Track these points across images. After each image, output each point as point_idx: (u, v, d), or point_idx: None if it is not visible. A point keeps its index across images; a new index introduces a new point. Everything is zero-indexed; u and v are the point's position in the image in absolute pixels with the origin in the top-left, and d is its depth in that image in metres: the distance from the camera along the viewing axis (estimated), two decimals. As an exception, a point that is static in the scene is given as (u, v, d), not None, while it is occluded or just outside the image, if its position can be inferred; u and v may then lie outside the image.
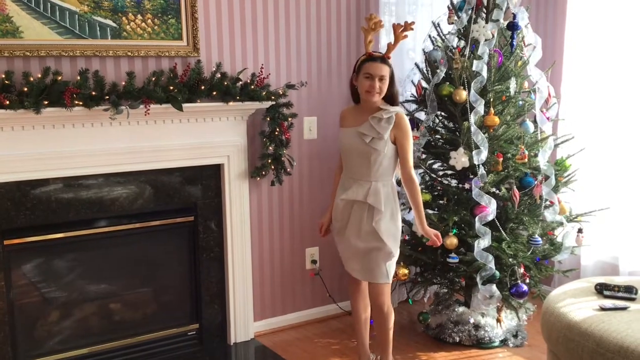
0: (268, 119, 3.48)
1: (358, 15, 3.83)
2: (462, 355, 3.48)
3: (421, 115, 3.65)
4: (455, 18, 3.53)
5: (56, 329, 3.24)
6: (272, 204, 3.73)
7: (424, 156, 3.58)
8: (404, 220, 3.31)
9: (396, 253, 2.98)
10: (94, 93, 2.93)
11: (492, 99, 3.38)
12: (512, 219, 3.43)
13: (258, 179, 3.57)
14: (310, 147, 3.80)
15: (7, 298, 3.02)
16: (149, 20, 3.17)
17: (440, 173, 3.66)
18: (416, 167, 3.31)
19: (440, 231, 3.30)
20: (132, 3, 3.11)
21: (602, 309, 2.64)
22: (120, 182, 3.24)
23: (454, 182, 3.59)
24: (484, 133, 3.31)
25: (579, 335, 2.53)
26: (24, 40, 2.89)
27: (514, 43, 3.45)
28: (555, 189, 3.47)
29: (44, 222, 3.07)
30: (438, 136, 3.60)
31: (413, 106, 3.71)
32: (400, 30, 3.04)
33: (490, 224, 3.32)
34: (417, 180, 3.01)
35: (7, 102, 2.74)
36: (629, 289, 2.78)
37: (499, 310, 3.57)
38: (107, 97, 2.97)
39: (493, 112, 3.33)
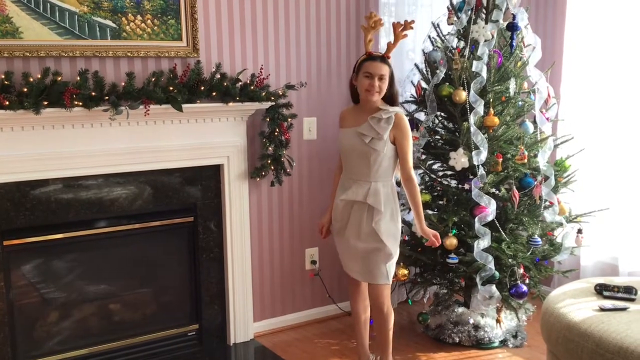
0: (268, 119, 3.49)
1: (357, 16, 3.83)
2: (461, 356, 3.48)
3: (421, 116, 3.65)
4: (455, 19, 3.53)
5: (56, 330, 3.24)
6: (271, 205, 3.73)
7: (423, 157, 3.58)
8: (403, 221, 3.32)
9: (396, 254, 2.98)
10: (93, 94, 2.93)
11: (491, 100, 3.39)
12: (512, 220, 3.43)
13: (258, 179, 3.57)
14: (309, 147, 3.80)
15: (6, 298, 3.02)
16: (149, 21, 3.17)
17: (440, 173, 3.66)
18: (416, 167, 3.31)
19: (439, 232, 3.30)
20: (132, 4, 3.11)
21: (602, 309, 2.64)
22: (119, 182, 3.24)
23: (453, 183, 3.59)
24: (483, 134, 3.31)
25: (579, 336, 2.53)
26: (24, 40, 2.89)
27: (514, 44, 3.45)
28: (555, 190, 3.48)
29: (43, 223, 3.07)
30: (438, 137, 3.60)
31: (413, 107, 3.72)
32: (400, 29, 3.04)
33: (489, 225, 3.33)
34: (416, 180, 3.01)
35: (7, 103, 2.74)
36: (629, 290, 2.78)
37: (498, 310, 3.58)
38: (107, 97, 2.97)
39: (493, 112, 3.33)
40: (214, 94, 3.26)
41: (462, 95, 3.32)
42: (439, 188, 3.59)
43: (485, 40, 3.39)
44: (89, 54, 3.03)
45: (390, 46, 3.04)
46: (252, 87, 3.36)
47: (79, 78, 2.94)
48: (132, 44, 3.14)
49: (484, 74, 3.32)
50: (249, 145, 3.54)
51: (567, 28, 4.07)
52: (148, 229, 3.39)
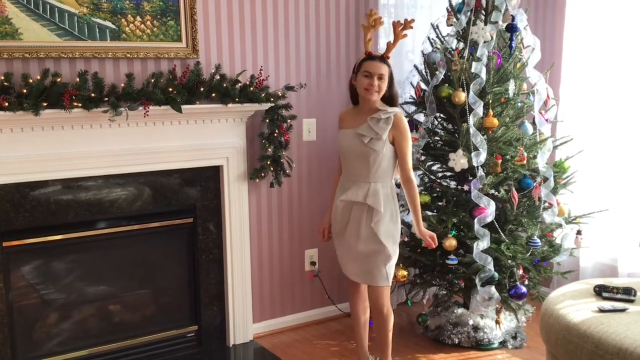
0: (267, 120, 3.49)
1: (357, 17, 3.83)
2: (461, 357, 3.48)
3: (420, 117, 3.65)
4: (454, 20, 3.54)
5: (55, 331, 3.24)
6: (271, 206, 3.73)
7: (423, 158, 3.58)
8: (403, 222, 3.32)
9: (395, 255, 2.98)
10: (93, 95, 2.93)
11: (491, 101, 3.39)
12: (511, 221, 3.44)
13: (257, 180, 3.57)
14: (309, 148, 3.80)
15: (6, 300, 3.02)
16: (148, 22, 3.17)
17: (440, 175, 3.66)
18: (415, 168, 3.31)
19: (439, 233, 3.31)
20: (132, 5, 3.11)
21: (601, 310, 2.64)
22: (119, 183, 3.24)
23: (453, 184, 3.59)
24: (482, 135, 3.31)
25: (578, 337, 2.53)
26: (23, 42, 2.89)
27: (513, 45, 3.45)
28: (554, 191, 3.48)
29: (43, 224, 3.07)
30: (437, 138, 3.60)
31: (412, 108, 3.72)
32: (400, 28, 3.05)
33: (489, 226, 3.33)
34: (415, 181, 3.01)
35: (7, 104, 2.74)
36: (628, 291, 2.78)
37: (498, 311, 3.58)
38: (106, 98, 2.97)
39: (492, 113, 3.33)
40: (213, 95, 3.26)
41: (462, 96, 3.32)
42: (438, 189, 3.59)
43: (485, 42, 3.39)
44: (88, 55, 3.03)
45: (390, 46, 3.04)
46: (251, 89, 3.36)
47: (78, 79, 2.94)
48: (132, 45, 3.14)
49: (483, 75, 3.32)
50: (248, 146, 3.54)
51: (566, 29, 4.07)
52: (147, 230, 3.39)
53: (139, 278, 3.48)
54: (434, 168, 3.67)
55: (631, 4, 3.75)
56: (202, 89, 3.22)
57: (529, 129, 3.45)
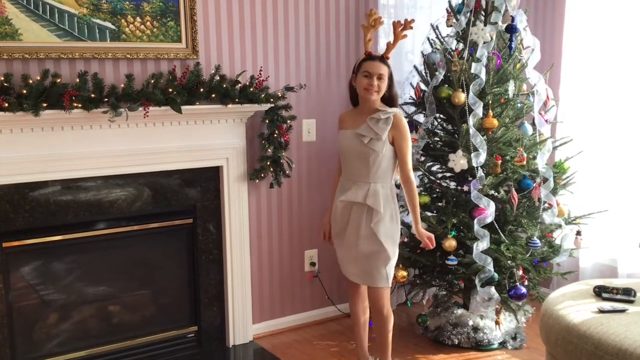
0: (267, 121, 3.49)
1: (357, 18, 3.83)
2: (460, 358, 3.48)
3: (420, 118, 3.65)
4: (454, 21, 3.54)
5: (55, 332, 3.24)
6: (271, 206, 3.73)
7: (422, 158, 3.58)
8: (403, 223, 3.32)
9: (395, 256, 2.98)
10: (93, 95, 2.93)
11: (490, 102, 3.39)
12: (511, 222, 3.44)
13: (257, 181, 3.57)
14: (309, 149, 3.80)
15: (5, 300, 3.02)
16: (148, 23, 3.17)
17: (439, 175, 3.66)
18: (415, 169, 3.31)
19: (439, 233, 3.31)
20: (131, 5, 3.11)
21: (601, 311, 2.65)
22: (119, 184, 3.24)
23: (452, 185, 3.59)
24: (482, 135, 3.31)
25: (578, 338, 2.53)
26: (23, 42, 2.89)
27: (513, 46, 3.45)
28: (554, 192, 3.48)
29: (42, 225, 3.07)
30: (437, 138, 3.60)
31: (412, 109, 3.72)
32: (400, 28, 3.05)
33: (489, 226, 3.33)
34: (415, 182, 3.01)
35: (6, 105, 2.74)
36: (628, 292, 2.78)
37: (497, 312, 3.58)
38: (106, 99, 2.97)
39: (492, 114, 3.34)
40: (213, 95, 3.26)
41: (461, 97, 3.32)
42: (438, 190, 3.59)
43: (484, 42, 3.39)
44: (88, 56, 3.03)
45: (389, 46, 3.04)
46: (251, 89, 3.36)
47: (78, 80, 2.94)
48: (132, 45, 3.14)
49: (483, 75, 3.32)
50: (248, 147, 3.54)
51: (566, 30, 4.07)
52: (147, 230, 3.39)
53: (138, 279, 3.48)
54: (434, 169, 3.68)
55: (631, 5, 3.75)
56: (201, 90, 3.22)
57: (529, 129, 3.45)
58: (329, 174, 3.71)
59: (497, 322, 3.57)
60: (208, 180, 3.48)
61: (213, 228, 3.53)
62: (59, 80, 2.88)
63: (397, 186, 3.10)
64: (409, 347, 3.61)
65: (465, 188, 3.37)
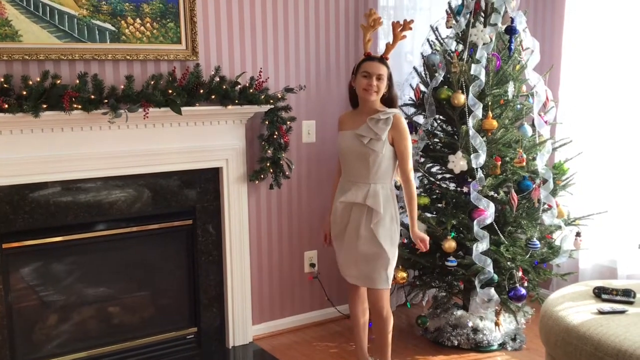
0: (267, 122, 3.49)
1: (356, 19, 3.84)
2: (460, 359, 3.48)
3: (419, 119, 3.66)
4: (454, 22, 3.54)
5: (54, 333, 3.24)
6: (270, 208, 3.73)
7: (422, 160, 3.58)
8: (402, 224, 3.31)
9: (394, 257, 2.98)
10: (92, 97, 2.93)
11: (490, 103, 3.39)
12: (511, 223, 3.44)
13: (257, 182, 3.57)
14: (308, 150, 3.81)
15: (5, 301, 3.02)
16: (148, 24, 3.17)
17: (439, 176, 3.67)
18: (415, 170, 3.31)
19: (438, 235, 3.31)
20: (131, 7, 3.11)
21: (600, 312, 2.64)
22: (118, 185, 3.24)
23: (452, 186, 3.59)
24: (482, 137, 3.31)
25: (577, 339, 2.53)
26: (23, 44, 2.89)
27: (512, 47, 3.45)
28: (554, 193, 3.48)
29: (42, 226, 3.07)
30: (436, 140, 3.60)
31: (411, 110, 3.72)
32: (399, 29, 3.06)
33: (488, 228, 3.33)
34: (415, 183, 3.01)
35: (6, 106, 2.74)
36: (627, 293, 2.78)
37: (497, 313, 3.58)
38: (106, 100, 2.97)
39: (491, 115, 3.34)
40: (213, 97, 3.27)
41: (461, 98, 3.32)
42: (437, 191, 3.59)
43: (484, 44, 3.39)
44: (88, 57, 3.03)
45: (389, 47, 3.05)
46: (251, 90, 3.36)
47: (78, 81, 2.94)
48: (131, 47, 3.14)
49: (483, 77, 3.33)
50: (247, 148, 3.54)
51: (565, 31, 4.08)
52: (147, 231, 3.39)
53: (138, 280, 3.48)
54: (434, 170, 3.68)
55: (631, 6, 3.75)
56: (201, 91, 3.22)
57: (529, 130, 3.46)
58: (329, 175, 3.72)
59: (496, 324, 3.57)
60: (208, 181, 3.48)
61: (213, 229, 3.53)
62: (58, 82, 2.88)
63: (397, 187, 3.10)
64: (408, 348, 3.61)
65: (465, 189, 3.37)
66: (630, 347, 2.35)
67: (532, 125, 3.49)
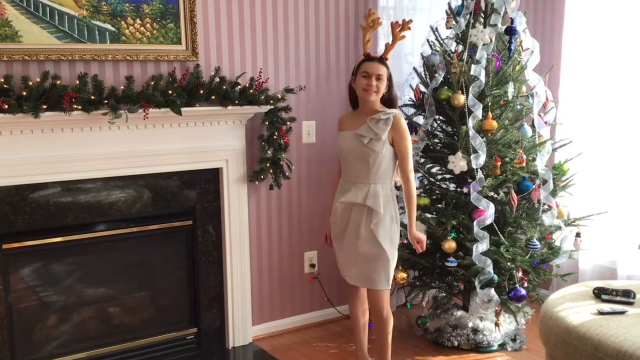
0: (267, 123, 3.49)
1: (356, 20, 3.84)
2: (460, 359, 3.48)
3: (419, 120, 3.66)
4: (454, 23, 3.54)
5: (54, 333, 3.24)
6: (270, 208, 3.73)
7: (422, 160, 3.58)
8: (402, 225, 3.31)
9: (394, 258, 2.98)
10: (92, 97, 2.93)
11: (490, 103, 3.39)
12: (511, 223, 3.44)
13: (257, 183, 3.57)
14: (308, 151, 3.81)
15: (5, 302, 3.02)
16: (148, 25, 3.17)
17: (439, 177, 3.66)
18: (415, 171, 3.31)
19: (438, 235, 3.31)
20: (131, 7, 3.11)
21: (600, 313, 2.65)
22: (118, 186, 3.24)
23: (452, 186, 3.59)
24: (482, 137, 3.31)
25: (577, 340, 2.53)
26: (23, 44, 2.89)
27: (512, 47, 3.45)
28: (553, 193, 3.48)
29: (42, 226, 3.07)
30: (436, 140, 3.61)
31: (411, 110, 3.72)
32: (398, 29, 3.06)
33: (488, 228, 3.33)
34: (415, 183, 3.01)
35: (6, 107, 2.74)
36: (627, 293, 2.78)
37: (497, 314, 3.58)
38: (106, 101, 2.97)
39: (491, 116, 3.34)
40: (213, 97, 3.27)
41: (461, 99, 3.33)
42: (437, 191, 3.59)
43: (484, 44, 3.39)
44: (88, 58, 3.03)
45: (388, 47, 3.05)
46: (251, 91, 3.36)
47: (78, 82, 2.94)
48: (131, 47, 3.14)
49: (483, 77, 3.33)
50: (247, 148, 3.54)
51: (565, 32, 4.08)
52: (147, 232, 3.39)
53: (138, 280, 3.48)
54: (434, 170, 3.68)
55: (630, 7, 3.75)
56: (201, 92, 3.22)
57: (528, 131, 3.46)
58: (329, 175, 3.72)
59: (496, 324, 3.57)
60: (208, 182, 3.48)
61: (213, 230, 3.53)
62: (58, 82, 2.88)
63: (397, 188, 3.10)
64: (408, 348, 3.61)
65: (465, 190, 3.37)
66: (630, 347, 2.35)
67: (532, 126, 3.49)
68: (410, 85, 3.74)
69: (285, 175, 3.63)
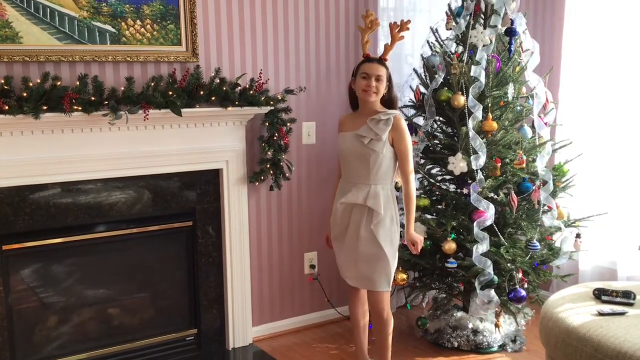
0: (267, 124, 3.49)
1: (356, 21, 3.84)
2: (460, 360, 3.49)
3: (419, 121, 3.66)
4: (454, 24, 3.54)
5: (54, 334, 3.24)
6: (270, 209, 3.73)
7: (422, 161, 3.58)
8: (402, 225, 3.31)
9: (395, 259, 2.98)
10: (93, 98, 2.93)
11: (490, 104, 3.39)
12: (511, 224, 3.44)
13: (257, 183, 3.57)
14: (308, 152, 3.81)
15: (5, 303, 3.02)
16: (148, 26, 3.18)
17: (439, 178, 3.66)
18: (415, 172, 3.31)
19: (438, 236, 3.31)
20: (132, 8, 3.12)
21: (600, 314, 2.65)
22: (118, 187, 3.24)
23: (452, 187, 3.59)
24: (482, 138, 3.31)
25: (577, 341, 2.53)
26: (24, 45, 2.89)
27: (512, 49, 3.46)
28: (553, 194, 3.48)
29: (42, 227, 3.07)
30: (436, 141, 3.61)
31: (411, 111, 3.72)
32: (397, 29, 3.06)
33: (488, 229, 3.33)
34: (415, 184, 3.01)
35: (7, 108, 2.74)
36: (627, 294, 2.78)
37: (497, 315, 3.57)
38: (106, 102, 2.97)
39: (491, 117, 3.34)
40: (213, 98, 3.27)
41: (461, 100, 3.33)
42: (437, 192, 3.59)
43: (484, 45, 3.39)
44: (88, 59, 3.04)
45: (387, 48, 3.05)
46: (251, 92, 3.36)
47: (78, 83, 2.95)
48: (132, 48, 3.14)
49: (483, 78, 3.33)
50: (248, 149, 3.54)
51: (565, 33, 4.08)
52: (147, 233, 3.39)
53: (138, 281, 3.48)
54: (434, 171, 3.68)
55: (630, 8, 3.75)
56: (201, 93, 3.22)
57: (528, 132, 3.46)
58: (329, 176, 3.72)
59: (496, 325, 3.57)
60: (208, 182, 3.48)
61: (213, 231, 3.53)
62: (59, 83, 2.88)
63: (397, 189, 3.10)
64: (408, 349, 3.61)
65: (465, 191, 3.37)
66: (630, 348, 2.35)
67: (532, 127, 3.49)
68: (410, 86, 3.74)
69: (285, 176, 3.63)
